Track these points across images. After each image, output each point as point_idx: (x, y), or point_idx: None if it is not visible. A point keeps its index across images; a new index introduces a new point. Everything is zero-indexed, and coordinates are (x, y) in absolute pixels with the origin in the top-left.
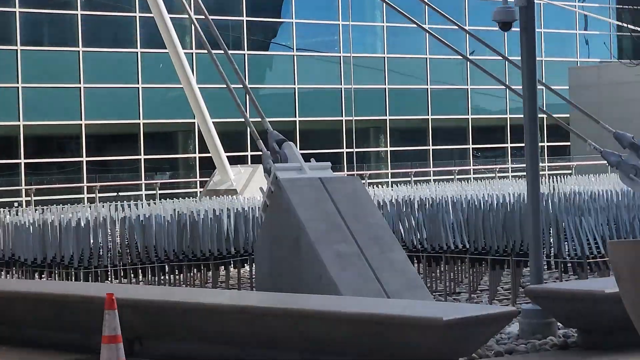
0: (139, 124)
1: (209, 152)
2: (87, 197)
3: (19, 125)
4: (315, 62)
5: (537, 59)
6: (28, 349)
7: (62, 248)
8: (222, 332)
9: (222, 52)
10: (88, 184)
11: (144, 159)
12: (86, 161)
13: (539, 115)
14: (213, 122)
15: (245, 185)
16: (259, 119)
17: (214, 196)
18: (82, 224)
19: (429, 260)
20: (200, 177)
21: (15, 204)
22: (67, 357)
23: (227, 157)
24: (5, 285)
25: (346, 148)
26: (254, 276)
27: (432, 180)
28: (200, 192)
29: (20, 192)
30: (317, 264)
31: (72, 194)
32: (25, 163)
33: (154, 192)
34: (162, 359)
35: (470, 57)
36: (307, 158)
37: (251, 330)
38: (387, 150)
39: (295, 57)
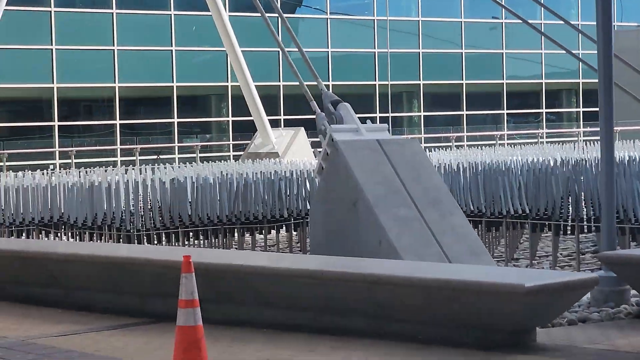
0: (172, 87)
1: (242, 116)
2: (121, 160)
3: (53, 87)
4: (349, 25)
5: (573, 22)
6: (82, 312)
7: (111, 210)
8: (284, 297)
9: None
10: (127, 147)
11: (177, 122)
12: (119, 124)
13: (573, 80)
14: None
15: (287, 148)
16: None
17: (256, 159)
18: (132, 186)
19: (488, 225)
20: (232, 141)
21: (51, 166)
22: (122, 321)
23: None
24: (58, 247)
25: (379, 113)
26: (303, 240)
27: (465, 146)
28: (230, 156)
29: (53, 154)
30: (376, 228)
31: (107, 157)
32: (58, 126)
33: (188, 155)
34: (222, 324)
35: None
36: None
37: (315, 296)
38: (420, 115)
39: (328, 20)
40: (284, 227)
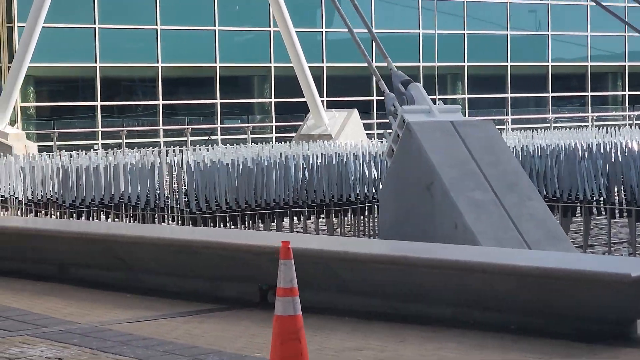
0: (215, 67)
1: (285, 97)
2: (165, 141)
3: (96, 67)
4: (393, 6)
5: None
6: (152, 297)
7: (173, 191)
8: (366, 283)
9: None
10: (178, 127)
11: (220, 103)
12: (162, 104)
13: (618, 64)
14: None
15: (340, 130)
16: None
17: (309, 141)
18: (201, 166)
19: (565, 210)
20: (275, 122)
21: (95, 146)
22: (193, 307)
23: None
24: (125, 229)
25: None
26: (369, 224)
27: (509, 129)
28: (272, 137)
29: (96, 134)
30: (452, 212)
31: (151, 137)
32: (101, 106)
33: (232, 136)
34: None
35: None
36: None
37: (398, 282)
38: (464, 98)
39: (372, 1)
40: (350, 211)
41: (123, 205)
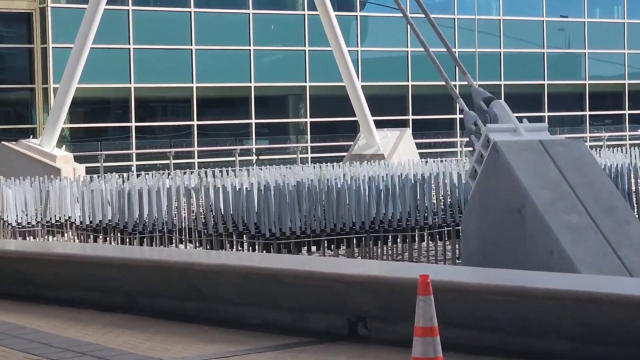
0: (250, 87)
1: (320, 116)
2: (198, 163)
3: (130, 87)
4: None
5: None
6: (232, 329)
7: (248, 215)
8: (466, 314)
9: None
10: (227, 147)
11: (254, 123)
12: (197, 125)
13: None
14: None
15: (393, 149)
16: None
17: (361, 161)
18: (262, 190)
19: None
20: (311, 142)
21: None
22: (280, 340)
23: (339, 121)
24: (202, 257)
25: (459, 114)
26: (444, 249)
27: None
28: (308, 158)
29: (131, 156)
30: (547, 237)
31: (184, 158)
32: (136, 127)
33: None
34: (396, 345)
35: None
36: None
37: (511, 314)
38: None
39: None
40: (427, 236)
41: (187, 229)
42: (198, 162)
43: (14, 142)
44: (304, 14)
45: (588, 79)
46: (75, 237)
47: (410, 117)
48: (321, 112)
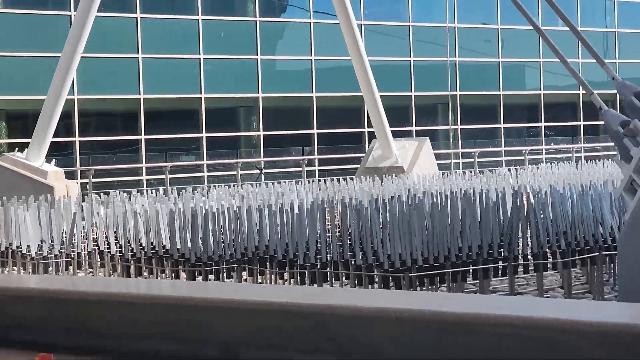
0: (258, 97)
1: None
2: (208, 176)
3: (140, 98)
4: (429, 35)
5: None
6: None
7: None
8: None
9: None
10: (243, 160)
11: (264, 135)
12: (206, 137)
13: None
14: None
15: (413, 161)
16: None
17: (377, 175)
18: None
19: None
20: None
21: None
22: None
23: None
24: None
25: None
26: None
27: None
28: (315, 171)
29: (140, 170)
30: None
31: (195, 172)
32: (145, 139)
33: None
34: None
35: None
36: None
37: None
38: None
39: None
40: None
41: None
42: (207, 176)
43: None
44: (310, 22)
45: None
46: (110, 271)
47: (414, 127)
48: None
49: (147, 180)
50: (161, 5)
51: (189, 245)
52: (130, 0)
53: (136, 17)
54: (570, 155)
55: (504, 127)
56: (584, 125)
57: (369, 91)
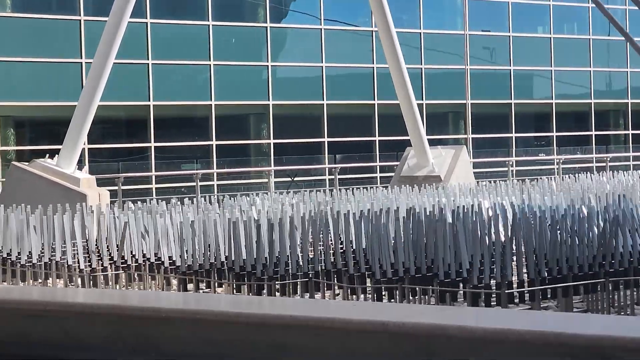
0: (269, 105)
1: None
2: (218, 185)
3: (149, 105)
4: (439, 44)
5: None
6: None
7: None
8: None
9: None
10: (263, 168)
11: (273, 143)
12: (216, 145)
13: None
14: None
15: (450, 170)
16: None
17: (413, 184)
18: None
19: None
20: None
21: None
22: None
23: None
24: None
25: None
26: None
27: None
28: (335, 179)
29: (150, 178)
30: None
31: (206, 181)
32: (155, 147)
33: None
34: None
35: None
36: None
37: None
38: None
39: (422, 37)
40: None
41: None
42: (217, 185)
43: (27, 163)
44: (320, 28)
45: (555, 98)
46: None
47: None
48: (340, 131)
49: (156, 188)
50: (171, 11)
51: (254, 256)
52: (140, 5)
53: (146, 23)
54: (590, 165)
55: (525, 136)
56: (595, 134)
57: (406, 98)
